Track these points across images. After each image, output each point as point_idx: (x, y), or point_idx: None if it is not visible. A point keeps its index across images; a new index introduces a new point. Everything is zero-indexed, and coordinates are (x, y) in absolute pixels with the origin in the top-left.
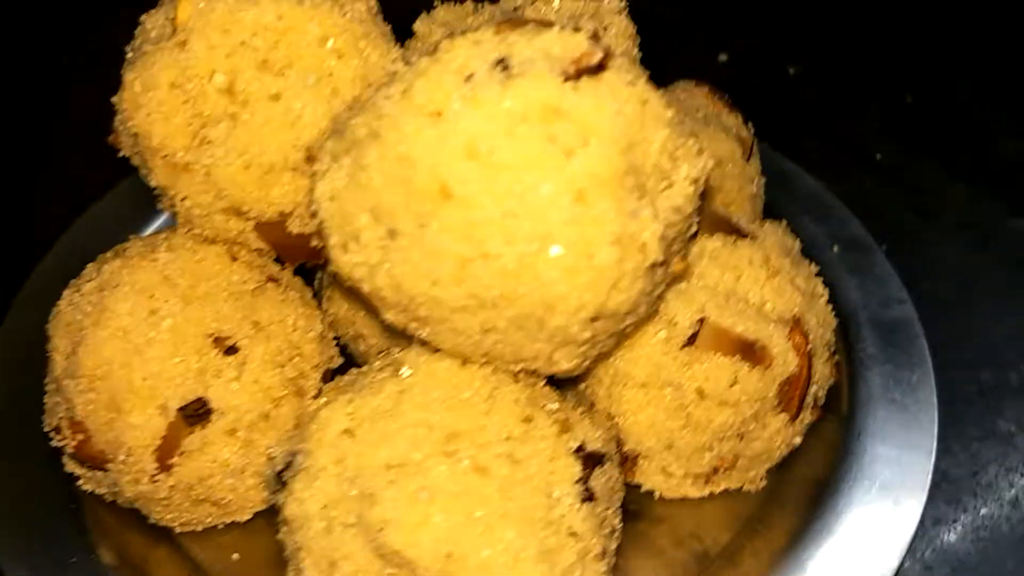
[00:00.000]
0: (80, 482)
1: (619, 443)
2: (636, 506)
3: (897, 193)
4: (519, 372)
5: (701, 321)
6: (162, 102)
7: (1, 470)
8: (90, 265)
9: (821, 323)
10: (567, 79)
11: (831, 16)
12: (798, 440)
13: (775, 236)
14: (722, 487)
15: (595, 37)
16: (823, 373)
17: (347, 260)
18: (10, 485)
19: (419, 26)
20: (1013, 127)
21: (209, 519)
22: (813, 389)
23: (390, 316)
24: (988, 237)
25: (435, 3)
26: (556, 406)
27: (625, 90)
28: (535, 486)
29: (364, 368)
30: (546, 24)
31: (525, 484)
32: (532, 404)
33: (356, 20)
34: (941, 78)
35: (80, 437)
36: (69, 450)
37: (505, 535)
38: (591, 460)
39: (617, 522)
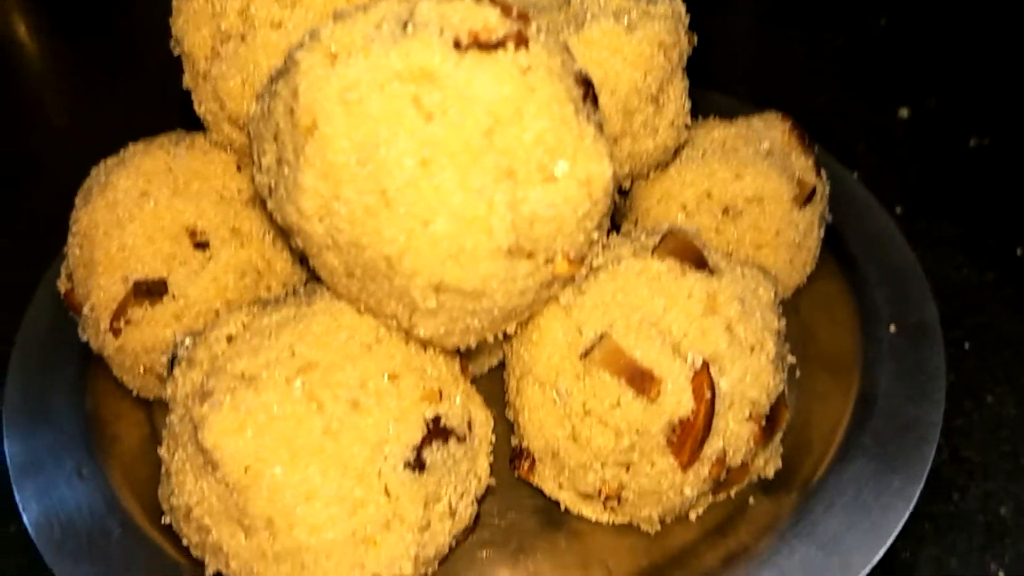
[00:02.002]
0: (79, 329)
1: (522, 438)
2: (559, 517)
3: (1015, 296)
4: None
5: (603, 336)
6: (196, 12)
7: (49, 320)
8: (128, 144)
9: (750, 379)
10: (456, 48)
11: None
12: (689, 491)
13: (742, 281)
14: (618, 518)
15: (518, 17)
16: (737, 433)
17: (259, 179)
18: (46, 328)
19: None
20: None
21: (156, 390)
22: (717, 444)
23: (291, 241)
24: None
25: None
26: (436, 374)
27: (511, 72)
28: (365, 437)
29: (298, 288)
30: None
31: (355, 431)
32: (407, 365)
33: None
34: None
35: (68, 285)
36: (63, 294)
37: (308, 468)
38: (438, 433)
39: (462, 506)
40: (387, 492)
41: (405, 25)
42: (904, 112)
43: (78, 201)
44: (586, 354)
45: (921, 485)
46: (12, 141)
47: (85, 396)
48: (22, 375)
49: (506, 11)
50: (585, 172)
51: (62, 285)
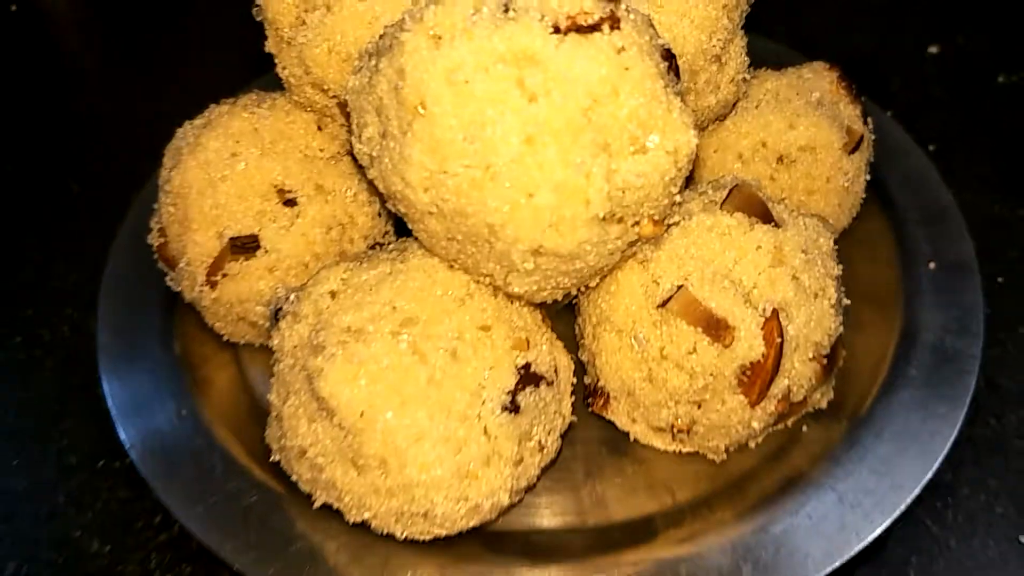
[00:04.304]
0: (167, 279)
1: (597, 377)
2: (625, 445)
3: None
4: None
5: (680, 287)
6: None
7: (131, 267)
8: (211, 106)
9: (814, 324)
10: (555, 31)
11: None
12: (756, 425)
13: (804, 231)
14: (686, 448)
15: None
16: (801, 372)
17: (359, 148)
18: (130, 277)
19: None
20: None
21: (247, 336)
22: (783, 383)
23: (389, 205)
24: None
25: None
26: (523, 324)
27: (608, 53)
28: (465, 383)
29: (386, 245)
30: None
31: (456, 379)
32: (498, 317)
33: None
34: None
35: (161, 240)
36: (155, 248)
37: (417, 413)
38: (529, 379)
39: (550, 441)
40: (486, 432)
41: (505, 8)
42: (934, 49)
43: (167, 160)
44: (663, 304)
45: (964, 412)
46: (72, 92)
47: (173, 340)
48: (113, 321)
49: None
50: (673, 143)
51: (154, 239)
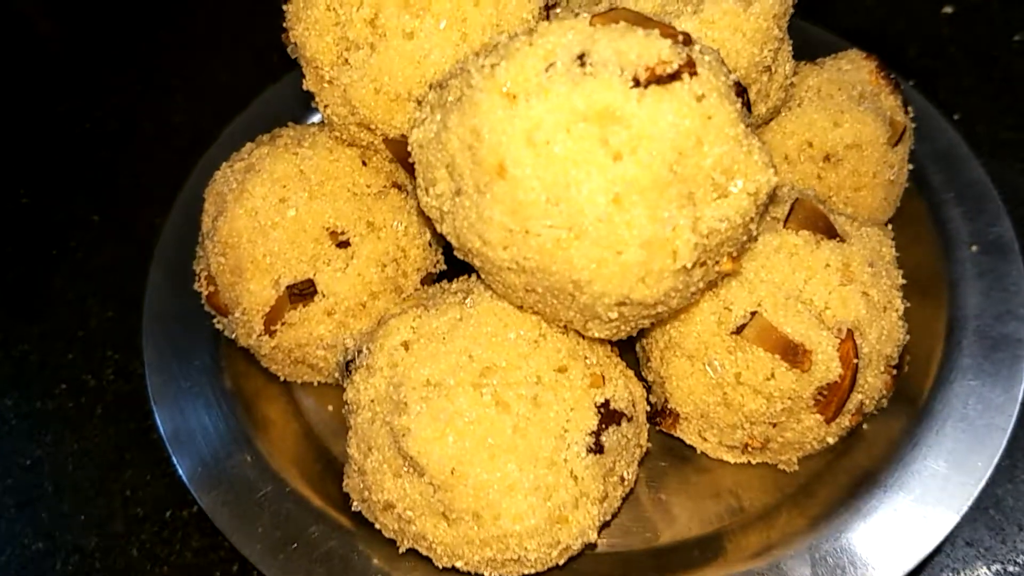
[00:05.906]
0: (216, 321)
1: (665, 399)
2: (688, 453)
3: None
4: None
5: (754, 314)
6: (317, 20)
7: (170, 304)
8: (248, 144)
9: (885, 338)
10: (635, 85)
11: None
12: (831, 440)
13: (867, 243)
14: (757, 460)
15: (684, 42)
16: (873, 385)
17: (426, 201)
18: (171, 315)
19: None
20: None
21: (306, 376)
22: (857, 398)
23: (458, 255)
24: None
25: None
26: (596, 360)
27: (690, 103)
28: (549, 429)
29: (444, 285)
30: (640, 21)
31: (540, 425)
32: (572, 355)
33: None
34: None
35: (211, 288)
36: (204, 296)
37: (506, 465)
38: (610, 417)
39: (628, 474)
40: (573, 476)
41: (581, 61)
42: (949, 9)
43: (209, 207)
44: (738, 331)
45: (1019, 400)
46: (73, 110)
47: (223, 376)
48: (160, 363)
49: (674, 38)
50: (755, 185)
51: (203, 288)
